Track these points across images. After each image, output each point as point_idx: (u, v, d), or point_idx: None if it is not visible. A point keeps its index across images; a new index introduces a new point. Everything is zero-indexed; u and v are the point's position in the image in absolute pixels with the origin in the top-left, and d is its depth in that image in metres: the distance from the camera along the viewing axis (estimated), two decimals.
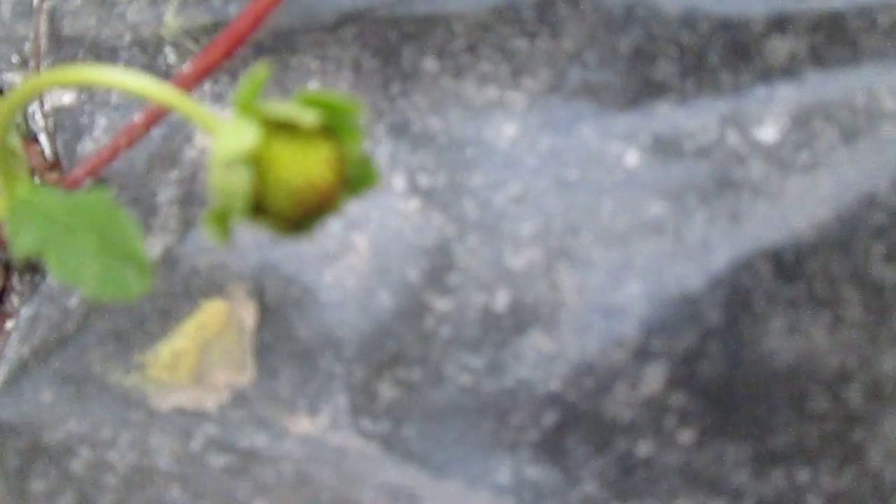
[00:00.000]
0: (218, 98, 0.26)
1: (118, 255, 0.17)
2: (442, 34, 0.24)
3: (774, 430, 0.20)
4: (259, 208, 0.16)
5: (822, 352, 0.20)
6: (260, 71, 0.16)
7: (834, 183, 0.20)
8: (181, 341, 0.25)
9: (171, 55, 0.27)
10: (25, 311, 0.27)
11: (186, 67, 0.25)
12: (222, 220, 0.16)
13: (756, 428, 0.20)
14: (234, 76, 0.27)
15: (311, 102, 0.16)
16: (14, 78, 0.30)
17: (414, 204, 0.24)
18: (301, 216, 0.16)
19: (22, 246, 0.18)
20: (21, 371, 0.26)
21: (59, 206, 0.19)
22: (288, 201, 0.15)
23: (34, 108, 0.29)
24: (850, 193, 0.20)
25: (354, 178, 0.17)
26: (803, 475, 0.20)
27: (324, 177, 0.15)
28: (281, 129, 0.16)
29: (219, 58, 0.23)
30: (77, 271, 0.17)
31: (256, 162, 0.15)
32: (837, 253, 0.20)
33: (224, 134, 0.16)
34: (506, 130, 0.24)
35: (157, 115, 0.25)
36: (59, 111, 0.29)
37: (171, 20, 0.27)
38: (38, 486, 0.23)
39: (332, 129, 0.16)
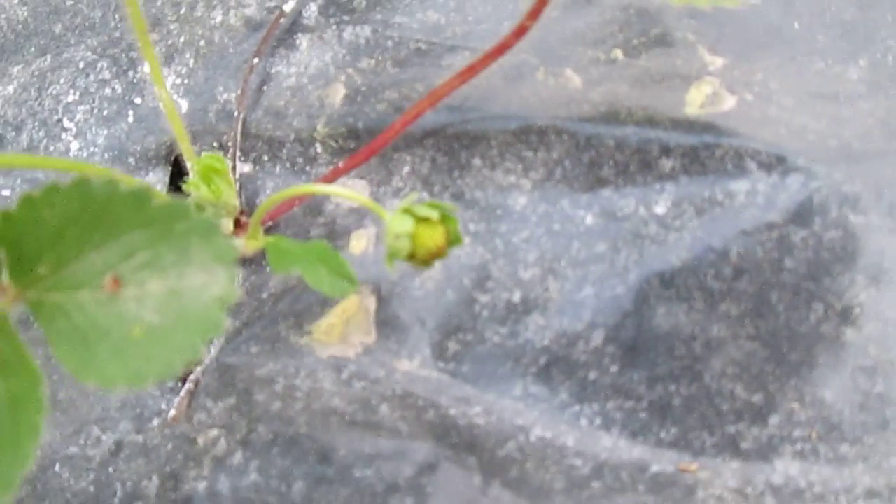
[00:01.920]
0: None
1: (338, 272, 0.35)
2: (484, 144, 0.43)
3: (657, 365, 0.39)
4: (409, 256, 0.34)
5: (682, 325, 0.38)
6: (410, 197, 0.34)
7: (691, 238, 0.39)
8: (332, 318, 0.43)
9: (318, 148, 0.46)
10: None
11: (339, 163, 0.43)
12: (391, 259, 0.34)
13: (648, 364, 0.39)
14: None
15: (434, 206, 0.34)
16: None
17: (468, 241, 0.43)
18: (429, 260, 0.34)
19: (280, 268, 0.37)
20: (236, 335, 0.44)
21: (296, 246, 0.37)
22: (424, 254, 0.34)
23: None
24: (700, 243, 0.39)
25: (454, 239, 0.35)
26: (672, 388, 0.38)
27: (440, 243, 0.34)
28: (420, 219, 0.34)
29: (360, 161, 0.42)
30: (320, 282, 0.35)
31: (410, 236, 0.33)
32: (692, 275, 0.39)
33: (392, 220, 0.34)
34: (519, 200, 0.42)
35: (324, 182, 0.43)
36: (244, 176, 0.48)
37: (321, 128, 0.45)
38: (258, 398, 0.42)
39: (444, 217, 0.34)
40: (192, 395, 0.43)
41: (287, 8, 0.46)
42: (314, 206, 0.45)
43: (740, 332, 0.37)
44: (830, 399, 0.37)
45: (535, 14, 0.34)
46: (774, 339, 0.37)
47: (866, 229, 0.36)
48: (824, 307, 0.37)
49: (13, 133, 0.51)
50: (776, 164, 0.37)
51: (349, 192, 0.35)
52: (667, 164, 0.39)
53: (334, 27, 0.45)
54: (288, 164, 0.46)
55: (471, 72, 0.36)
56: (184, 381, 0.44)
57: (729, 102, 0.39)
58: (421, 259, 0.34)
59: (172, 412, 0.42)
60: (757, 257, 0.37)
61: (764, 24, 0.39)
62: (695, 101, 0.39)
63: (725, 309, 0.38)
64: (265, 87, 0.46)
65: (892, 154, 0.37)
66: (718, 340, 0.38)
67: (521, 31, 0.34)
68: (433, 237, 0.34)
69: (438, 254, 0.34)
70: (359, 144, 0.44)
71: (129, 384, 0.24)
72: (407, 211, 0.34)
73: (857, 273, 0.36)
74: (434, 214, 0.34)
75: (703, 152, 0.39)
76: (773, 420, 0.37)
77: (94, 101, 0.49)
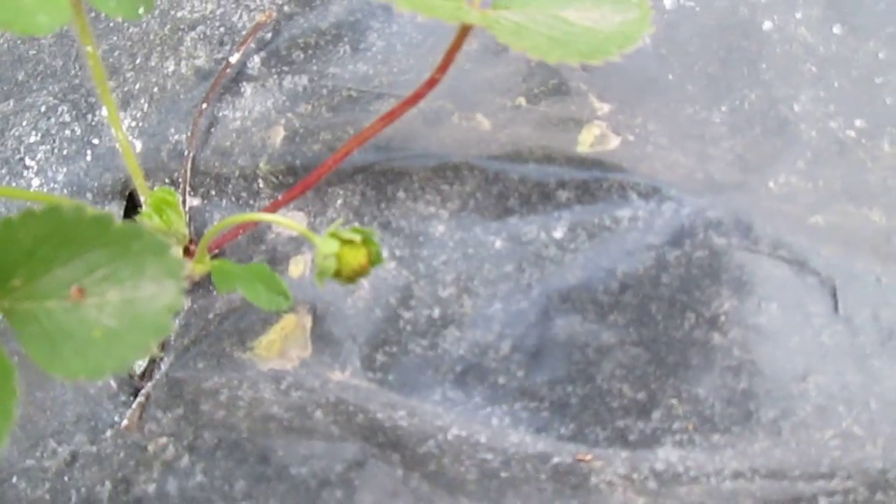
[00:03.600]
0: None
1: (275, 290, 0.40)
2: (406, 179, 0.49)
3: (557, 369, 0.44)
4: (336, 274, 0.39)
5: (577, 333, 0.44)
6: (337, 223, 0.40)
7: (584, 258, 0.45)
8: (272, 335, 0.48)
9: (261, 183, 0.51)
10: (179, 322, 0.50)
11: (279, 196, 0.48)
12: (321, 277, 0.40)
13: (549, 369, 0.44)
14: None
15: (357, 231, 0.40)
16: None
17: (393, 264, 0.48)
18: (354, 277, 0.39)
19: (224, 287, 0.42)
20: (185, 352, 0.49)
21: (238, 268, 0.42)
22: (348, 272, 0.39)
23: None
24: (591, 263, 0.45)
25: (375, 259, 0.40)
26: (569, 389, 0.44)
27: (362, 262, 0.39)
28: (345, 241, 0.39)
29: (297, 194, 0.47)
30: (258, 298, 0.40)
31: (336, 256, 0.39)
32: (585, 290, 0.45)
33: (321, 242, 0.39)
34: (438, 228, 0.48)
35: (267, 215, 0.49)
36: (193, 209, 0.52)
37: (263, 166, 0.50)
38: (204, 408, 0.46)
39: (366, 240, 0.40)
40: (143, 407, 0.48)
41: (233, 60, 0.51)
42: (257, 235, 0.51)
43: (626, 338, 0.43)
44: (703, 395, 0.43)
45: (443, 69, 0.40)
46: (655, 345, 0.43)
47: (727, 249, 0.43)
48: (695, 316, 0.43)
49: None
50: (653, 194, 0.44)
51: (286, 220, 0.41)
52: (563, 195, 0.45)
53: (275, 76, 0.51)
54: (233, 198, 0.51)
55: (391, 117, 0.42)
56: (136, 394, 0.48)
57: (614, 142, 0.45)
58: (346, 276, 0.39)
59: (125, 422, 0.47)
60: (638, 274, 0.43)
61: (643, 75, 0.46)
62: (586, 142, 0.45)
63: (613, 319, 0.44)
64: (213, 129, 0.51)
65: (747, 185, 0.43)
66: (608, 347, 0.44)
67: (432, 83, 0.40)
68: (356, 257, 0.39)
69: (361, 272, 0.39)
70: (297, 180, 0.50)
71: (89, 376, 0.29)
72: (333, 235, 0.39)
73: (722, 286, 0.43)
74: (357, 237, 0.39)
75: (593, 185, 0.45)
76: (656, 415, 0.43)
77: (54, 142, 0.54)
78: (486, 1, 0.38)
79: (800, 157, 0.43)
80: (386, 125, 0.43)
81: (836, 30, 0.46)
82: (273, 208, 0.48)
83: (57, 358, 0.29)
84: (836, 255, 0.42)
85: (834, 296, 0.42)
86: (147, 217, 0.44)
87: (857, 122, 0.44)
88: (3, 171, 0.54)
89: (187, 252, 0.50)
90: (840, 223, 0.43)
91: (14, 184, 0.53)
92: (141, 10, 0.36)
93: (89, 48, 0.41)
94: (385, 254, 0.48)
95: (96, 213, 0.30)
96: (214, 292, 0.49)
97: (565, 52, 0.36)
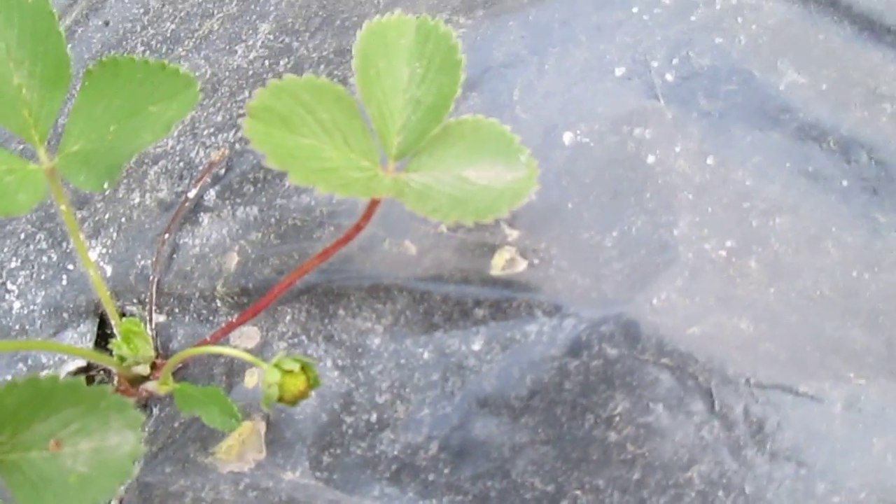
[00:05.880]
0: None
1: (227, 413, 0.47)
2: (346, 299, 0.55)
3: (478, 466, 0.51)
4: (279, 399, 0.46)
5: (494, 434, 0.51)
6: (280, 354, 0.46)
7: (499, 368, 0.52)
8: (231, 440, 0.54)
9: (219, 303, 0.57)
10: (148, 429, 0.57)
11: (234, 318, 0.55)
12: (266, 402, 0.46)
13: (472, 466, 0.51)
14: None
15: (296, 360, 0.46)
16: (133, 310, 0.60)
17: (336, 373, 0.55)
18: (295, 401, 0.46)
19: (185, 409, 0.48)
20: (153, 458, 0.55)
21: (197, 391, 0.49)
22: (290, 397, 0.45)
23: (146, 323, 0.59)
24: (505, 372, 0.52)
25: (313, 384, 0.47)
26: (489, 483, 0.51)
27: (302, 388, 0.46)
28: (286, 371, 0.46)
29: (250, 317, 0.54)
30: (213, 420, 0.47)
31: (279, 384, 0.45)
32: (500, 396, 0.51)
33: (266, 373, 0.46)
34: (375, 341, 0.55)
35: (221, 335, 0.55)
36: (159, 325, 0.59)
37: (220, 288, 0.57)
38: None
39: (304, 367, 0.46)
40: None
41: (191, 194, 0.58)
42: (215, 358, 0.57)
43: (536, 438, 0.50)
44: (603, 486, 0.49)
45: (366, 217, 0.47)
46: (560, 442, 0.50)
47: (619, 358, 0.50)
48: (594, 417, 0.50)
49: None
50: (555, 311, 0.51)
51: (238, 352, 0.47)
52: (479, 312, 0.52)
53: (229, 207, 0.58)
54: (195, 316, 0.58)
55: (326, 255, 0.49)
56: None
57: (522, 265, 0.52)
58: (288, 401, 0.46)
59: None
60: (545, 381, 0.50)
61: (547, 204, 0.54)
62: (498, 265, 0.53)
63: (524, 421, 0.50)
64: (175, 255, 0.58)
65: (634, 301, 0.51)
66: (520, 445, 0.50)
67: (358, 229, 0.47)
68: (296, 384, 0.46)
69: (301, 396, 0.46)
70: (250, 300, 0.56)
71: None
72: (276, 365, 0.46)
73: (615, 390, 0.50)
74: (296, 367, 0.46)
75: (504, 304, 0.52)
76: None
77: (33, 267, 0.60)
78: (399, 164, 0.46)
79: (679, 275, 0.51)
80: (323, 261, 0.49)
81: (710, 161, 0.53)
82: (229, 329, 0.54)
83: (41, 502, 0.35)
84: (711, 361, 0.49)
85: (711, 396, 0.49)
86: (117, 346, 0.50)
87: (728, 243, 0.52)
88: None
89: (154, 367, 0.56)
90: (714, 332, 0.50)
91: None
92: (105, 185, 0.43)
93: (63, 207, 0.48)
94: (329, 364, 0.55)
95: (68, 380, 0.36)
96: None
97: (463, 212, 0.43)
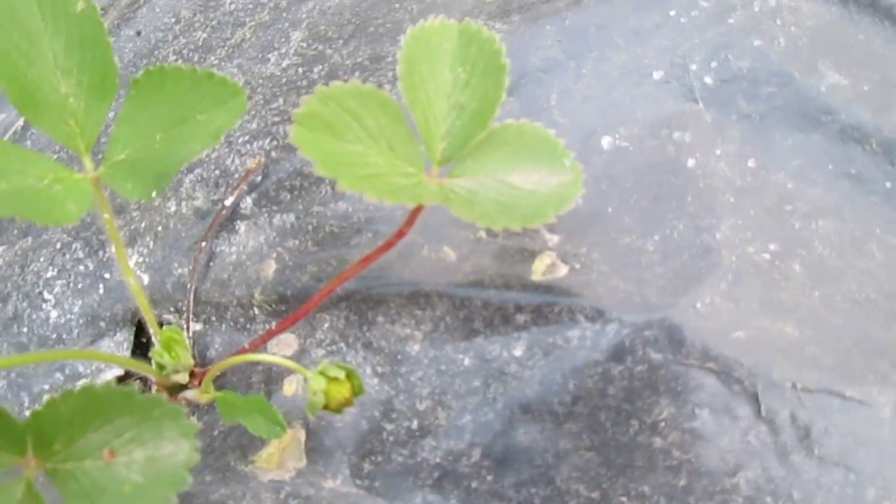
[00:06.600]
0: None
1: (272, 420, 0.47)
2: (385, 305, 0.55)
3: (521, 473, 0.50)
4: (324, 407, 0.46)
5: (537, 440, 0.50)
6: (324, 362, 0.46)
7: (541, 374, 0.51)
8: (271, 448, 0.54)
9: (256, 311, 0.57)
10: None
11: (271, 326, 0.55)
12: (312, 409, 0.46)
13: (515, 473, 0.51)
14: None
15: (341, 367, 0.46)
16: (171, 318, 0.60)
17: (376, 381, 0.54)
18: (340, 409, 0.46)
19: (227, 418, 0.48)
20: (194, 467, 0.54)
21: (239, 399, 0.49)
22: (335, 405, 0.45)
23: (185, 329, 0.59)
24: (547, 378, 0.51)
25: (357, 391, 0.47)
26: (533, 490, 0.50)
27: (347, 396, 0.45)
28: (331, 379, 0.46)
29: (288, 325, 0.54)
30: (258, 428, 0.47)
31: (324, 392, 0.45)
32: (542, 402, 0.51)
33: (310, 380, 0.46)
34: (414, 348, 0.54)
35: (260, 343, 0.55)
36: (196, 333, 0.59)
37: (257, 295, 0.57)
38: None
39: (349, 375, 0.46)
40: None
41: (228, 202, 0.58)
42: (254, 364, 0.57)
43: (580, 444, 0.50)
44: (649, 492, 0.49)
45: (409, 224, 0.47)
46: (605, 449, 0.49)
47: (663, 363, 0.49)
48: (639, 422, 0.49)
49: (0, 304, 0.61)
50: (598, 316, 0.50)
51: (281, 360, 0.47)
52: (520, 318, 0.52)
53: (266, 215, 0.58)
54: (232, 324, 0.58)
55: (367, 261, 0.49)
56: None
57: (563, 270, 0.52)
58: (333, 409, 0.46)
59: None
60: (588, 387, 0.50)
61: (587, 209, 0.53)
62: (538, 270, 0.52)
63: (568, 427, 0.50)
64: (212, 263, 0.58)
65: (678, 306, 0.50)
66: (564, 452, 0.50)
67: (400, 235, 0.47)
68: (341, 392, 0.46)
69: (346, 404, 0.46)
70: (288, 307, 0.56)
71: None
72: (321, 373, 0.46)
73: (660, 396, 0.49)
74: (341, 374, 0.46)
75: (546, 309, 0.52)
76: None
77: (69, 277, 0.61)
78: (443, 169, 0.45)
79: (722, 279, 0.50)
80: (363, 268, 0.49)
81: (751, 164, 0.53)
82: (267, 337, 0.54)
83: None
84: (757, 365, 0.49)
85: (757, 401, 0.49)
86: (158, 355, 0.50)
87: (771, 246, 0.51)
88: (25, 304, 0.61)
89: (192, 375, 0.56)
90: (759, 336, 0.49)
91: (34, 316, 0.60)
92: (154, 194, 0.43)
93: (106, 216, 0.48)
94: (368, 371, 0.54)
95: (122, 389, 0.36)
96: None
97: (510, 217, 0.42)
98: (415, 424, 0.52)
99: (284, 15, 0.67)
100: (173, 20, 0.70)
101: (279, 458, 0.54)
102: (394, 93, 0.53)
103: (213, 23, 0.69)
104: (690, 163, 0.53)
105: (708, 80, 0.54)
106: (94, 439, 0.36)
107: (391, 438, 0.53)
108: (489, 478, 0.50)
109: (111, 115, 0.59)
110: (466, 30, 0.45)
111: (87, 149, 0.46)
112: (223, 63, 0.66)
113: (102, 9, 0.72)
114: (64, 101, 0.45)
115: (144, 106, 0.45)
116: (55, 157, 0.64)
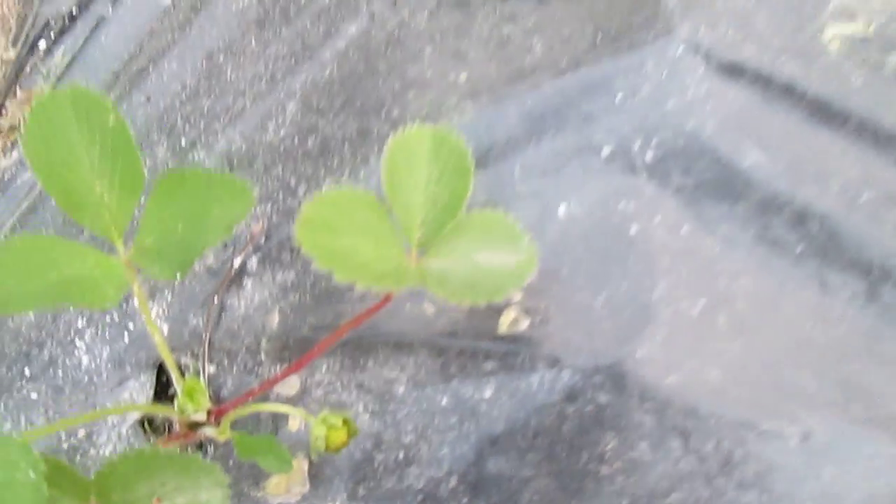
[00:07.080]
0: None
1: (281, 459, 0.56)
2: (375, 352, 0.64)
3: (491, 497, 0.60)
4: (325, 448, 0.55)
5: (504, 469, 0.60)
6: (324, 412, 0.55)
7: (507, 412, 0.61)
8: (279, 476, 0.64)
9: (263, 356, 0.66)
10: None
11: (276, 369, 0.64)
12: (314, 451, 0.55)
13: (486, 497, 0.60)
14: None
15: (338, 416, 0.55)
16: (188, 362, 0.68)
17: (367, 417, 0.64)
18: (338, 450, 0.55)
19: (244, 457, 0.57)
20: None
21: (253, 440, 0.58)
22: (334, 447, 0.55)
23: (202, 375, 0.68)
24: (512, 416, 0.61)
25: (352, 434, 0.56)
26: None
27: (344, 439, 0.55)
28: (331, 426, 0.55)
29: (292, 371, 0.63)
30: (270, 466, 0.56)
31: (325, 437, 0.54)
32: (509, 436, 0.60)
33: (315, 426, 0.55)
34: (400, 389, 0.64)
35: (269, 386, 0.64)
36: (211, 375, 0.68)
37: (264, 343, 0.66)
38: None
39: (346, 422, 0.55)
40: None
41: (236, 262, 0.67)
42: (262, 397, 0.66)
43: (540, 472, 0.59)
44: None
45: (389, 296, 0.56)
46: (561, 475, 0.59)
47: (609, 403, 0.59)
48: (588, 453, 0.59)
49: (36, 350, 0.70)
50: (554, 363, 0.60)
51: (288, 408, 0.56)
52: (489, 365, 0.61)
53: (269, 273, 0.67)
54: (242, 367, 0.67)
55: (358, 321, 0.58)
56: None
57: (525, 323, 0.61)
58: (332, 450, 0.55)
59: None
60: (546, 424, 0.59)
61: (546, 269, 0.62)
62: (504, 324, 0.62)
63: (530, 458, 0.60)
64: (223, 315, 0.67)
65: (621, 354, 0.60)
66: (527, 478, 0.60)
67: (387, 299, 0.56)
68: (339, 437, 0.55)
69: (343, 446, 0.55)
70: (291, 353, 0.65)
71: None
72: (322, 420, 0.55)
73: (606, 431, 0.59)
74: (339, 422, 0.55)
75: (511, 357, 0.61)
76: None
77: (98, 327, 0.69)
78: (420, 251, 0.54)
79: (658, 331, 0.60)
80: (355, 326, 0.58)
81: (685, 230, 0.62)
82: (274, 381, 0.63)
83: None
84: (687, 405, 0.58)
85: (686, 434, 0.58)
86: (182, 402, 0.59)
87: (701, 302, 0.61)
88: (59, 350, 0.69)
89: (209, 413, 0.65)
90: (689, 380, 0.59)
91: (68, 361, 0.69)
92: (178, 275, 0.52)
93: (136, 288, 0.56)
94: (360, 408, 0.64)
95: (167, 450, 0.45)
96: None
97: (475, 294, 0.51)
98: (401, 455, 0.62)
99: (280, 86, 0.75)
100: (180, 87, 0.78)
101: (286, 484, 0.63)
102: (377, 171, 0.62)
103: (216, 91, 0.77)
104: (633, 229, 0.62)
105: (649, 156, 0.63)
106: (144, 489, 0.45)
107: (381, 467, 0.62)
108: (464, 500, 0.60)
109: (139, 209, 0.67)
110: (438, 135, 0.54)
111: (119, 236, 0.54)
112: (227, 129, 0.74)
113: (114, 73, 0.79)
114: (100, 199, 0.53)
115: (168, 201, 0.53)
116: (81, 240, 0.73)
